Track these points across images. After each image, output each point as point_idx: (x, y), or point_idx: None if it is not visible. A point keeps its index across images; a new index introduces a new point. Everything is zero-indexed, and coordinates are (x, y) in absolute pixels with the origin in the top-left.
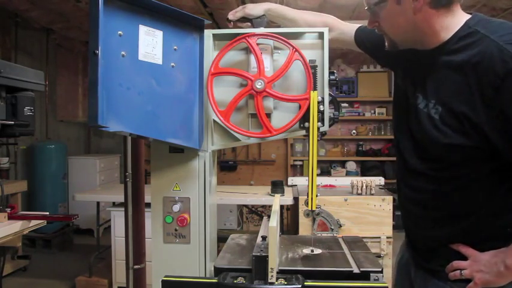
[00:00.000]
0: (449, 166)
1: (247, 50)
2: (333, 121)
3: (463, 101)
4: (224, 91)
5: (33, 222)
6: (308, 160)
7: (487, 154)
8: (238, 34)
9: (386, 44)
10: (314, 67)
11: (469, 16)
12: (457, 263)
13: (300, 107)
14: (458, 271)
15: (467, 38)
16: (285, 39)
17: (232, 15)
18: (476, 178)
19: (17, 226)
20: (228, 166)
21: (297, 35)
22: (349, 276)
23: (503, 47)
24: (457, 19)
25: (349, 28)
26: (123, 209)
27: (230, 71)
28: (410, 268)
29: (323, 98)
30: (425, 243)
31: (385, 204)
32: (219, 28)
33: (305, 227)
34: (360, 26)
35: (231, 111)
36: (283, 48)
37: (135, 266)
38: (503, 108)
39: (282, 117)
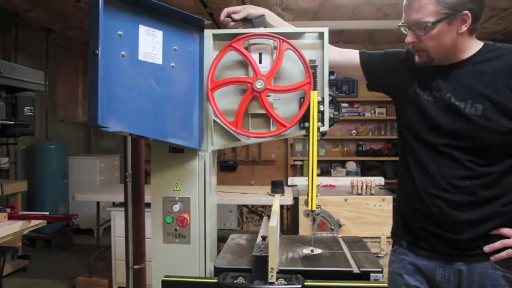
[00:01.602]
0: (493, 152)
1: (246, 49)
2: (333, 121)
3: (507, 97)
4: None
5: (33, 222)
6: (308, 160)
7: None
8: (238, 34)
9: (417, 59)
10: (314, 67)
11: (482, 42)
12: (504, 242)
13: (299, 95)
14: (508, 250)
15: (494, 52)
16: (271, 34)
17: (236, 15)
18: None
19: (17, 226)
20: (228, 166)
21: (297, 35)
22: (349, 276)
23: None
24: (477, 43)
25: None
26: (123, 209)
27: (227, 81)
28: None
29: (323, 98)
30: (467, 231)
31: (385, 204)
32: (219, 28)
33: (305, 227)
34: (360, 51)
35: (241, 119)
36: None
37: (135, 266)
38: None
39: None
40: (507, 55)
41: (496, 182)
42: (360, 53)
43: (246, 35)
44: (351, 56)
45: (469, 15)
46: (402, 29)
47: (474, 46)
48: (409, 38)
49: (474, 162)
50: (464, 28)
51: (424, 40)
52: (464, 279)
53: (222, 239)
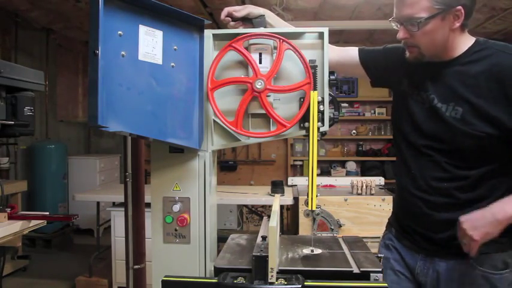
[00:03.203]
0: (471, 156)
1: (247, 49)
2: (333, 121)
3: (488, 101)
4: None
5: (33, 222)
6: (308, 160)
7: (503, 140)
8: (238, 34)
9: (408, 55)
10: (314, 67)
11: (473, 37)
12: (459, 237)
13: (299, 95)
14: (463, 243)
15: (481, 51)
16: (271, 34)
17: (237, 13)
18: (493, 163)
19: (17, 226)
20: (228, 166)
21: (297, 35)
22: (349, 276)
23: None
24: (469, 39)
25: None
26: (123, 209)
27: (227, 81)
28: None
29: (323, 98)
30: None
31: (385, 204)
32: (219, 28)
33: (305, 227)
34: (359, 48)
35: (241, 119)
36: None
37: (135, 266)
38: None
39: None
40: (493, 56)
41: (474, 185)
42: (360, 50)
43: (246, 35)
44: (351, 54)
45: (462, 10)
46: (393, 24)
47: (466, 43)
48: (400, 34)
49: (452, 164)
50: (457, 24)
51: (416, 36)
52: (443, 275)
53: (222, 239)
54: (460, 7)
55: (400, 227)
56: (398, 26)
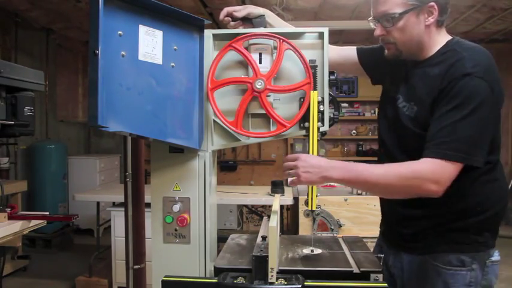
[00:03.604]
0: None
1: (247, 49)
2: (333, 121)
3: (433, 102)
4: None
5: (33, 222)
6: None
7: None
8: (238, 34)
9: (387, 52)
10: (314, 67)
11: (449, 37)
12: (287, 164)
13: (299, 95)
14: (289, 171)
15: (446, 53)
16: (271, 34)
17: (237, 13)
18: None
19: (17, 226)
20: (228, 166)
21: (297, 35)
22: (349, 276)
23: (467, 58)
24: (444, 38)
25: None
26: (123, 209)
27: (227, 81)
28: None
29: (323, 98)
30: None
31: None
32: (219, 28)
33: (305, 227)
34: (357, 47)
35: (241, 119)
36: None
37: (135, 266)
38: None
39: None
40: (454, 57)
41: None
42: (357, 49)
43: (246, 35)
44: (349, 53)
45: (435, 6)
46: (371, 24)
47: (440, 42)
48: (377, 31)
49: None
50: (431, 20)
51: (392, 32)
52: (406, 267)
53: (222, 239)
54: (433, 3)
55: (382, 223)
56: (376, 24)
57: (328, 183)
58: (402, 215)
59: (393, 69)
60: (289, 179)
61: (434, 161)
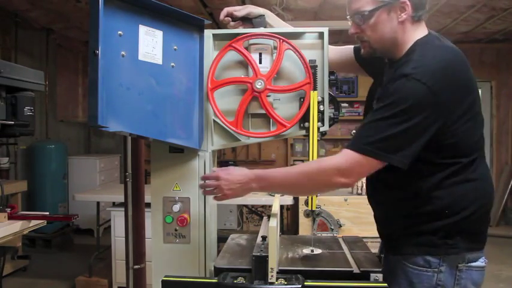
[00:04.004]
0: None
1: (247, 49)
2: (333, 121)
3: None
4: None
5: (33, 222)
6: (308, 160)
7: None
8: (238, 34)
9: (362, 51)
10: (314, 67)
11: (424, 32)
12: (210, 183)
13: (299, 95)
14: (211, 189)
15: (410, 54)
16: (271, 34)
17: (237, 13)
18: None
19: (17, 226)
20: (228, 166)
21: (297, 35)
22: (349, 276)
23: (415, 59)
24: (421, 34)
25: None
26: (123, 209)
27: (227, 81)
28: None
29: (323, 98)
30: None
31: None
32: (219, 28)
33: (305, 227)
34: (354, 46)
35: (241, 119)
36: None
37: (135, 266)
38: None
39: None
40: (414, 56)
41: (391, 185)
42: (354, 47)
43: (246, 35)
44: (347, 52)
45: (408, 2)
46: (349, 22)
47: (415, 39)
48: (351, 29)
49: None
50: (404, 16)
51: (364, 30)
52: (386, 264)
53: (222, 239)
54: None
55: None
56: (351, 22)
57: None
58: (379, 215)
59: (384, 67)
60: (213, 196)
61: (346, 153)
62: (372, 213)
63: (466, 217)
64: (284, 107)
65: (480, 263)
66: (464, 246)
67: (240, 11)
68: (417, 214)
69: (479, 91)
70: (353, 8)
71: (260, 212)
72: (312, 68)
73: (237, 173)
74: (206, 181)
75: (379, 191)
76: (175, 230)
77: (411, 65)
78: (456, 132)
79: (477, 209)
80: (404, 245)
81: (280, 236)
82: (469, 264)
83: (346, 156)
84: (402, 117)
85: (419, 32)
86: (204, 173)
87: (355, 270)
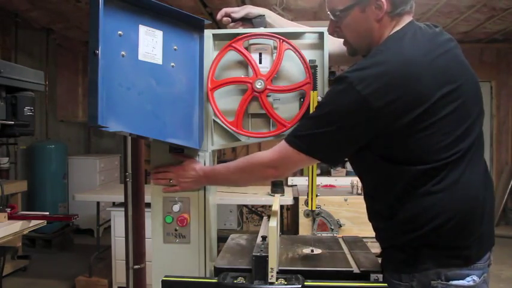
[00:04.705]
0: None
1: (247, 49)
2: None
3: None
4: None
5: (33, 222)
6: None
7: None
8: (238, 34)
9: (346, 49)
10: (314, 67)
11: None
12: (165, 175)
13: (299, 95)
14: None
15: (376, 53)
16: (271, 34)
17: (235, 14)
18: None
19: (17, 226)
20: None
21: (297, 35)
22: (349, 276)
23: (361, 61)
24: (399, 27)
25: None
26: (123, 209)
27: (227, 81)
28: None
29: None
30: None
31: None
32: (219, 28)
33: (305, 227)
34: None
35: (241, 119)
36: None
37: (135, 266)
38: None
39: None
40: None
41: (373, 196)
42: None
43: (246, 35)
44: None
45: (383, 0)
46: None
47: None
48: (329, 29)
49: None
50: (380, 14)
51: (341, 29)
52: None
53: (222, 239)
54: None
55: None
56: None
57: (329, 183)
58: (373, 225)
59: None
60: (164, 188)
61: (280, 144)
62: None
63: (432, 230)
64: (284, 107)
65: (465, 282)
66: (436, 262)
67: (238, 12)
68: (388, 227)
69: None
70: (329, 7)
71: (260, 212)
72: (312, 68)
73: (190, 168)
74: (160, 172)
75: (367, 202)
76: (175, 230)
77: (352, 67)
78: (407, 142)
79: (446, 222)
80: (383, 257)
81: (280, 236)
82: (449, 282)
83: (279, 148)
84: (326, 119)
85: (399, 26)
86: None
87: (355, 270)
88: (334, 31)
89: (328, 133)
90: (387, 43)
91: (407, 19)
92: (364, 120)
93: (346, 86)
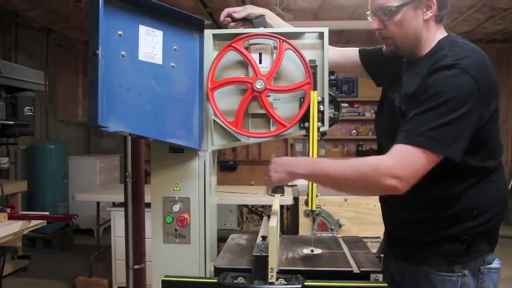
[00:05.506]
0: None
1: (247, 49)
2: (333, 121)
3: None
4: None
5: (33, 222)
6: None
7: None
8: (238, 34)
9: (384, 48)
10: (314, 67)
11: (444, 34)
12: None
13: (299, 95)
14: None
15: (436, 53)
16: (271, 34)
17: (237, 14)
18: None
19: (17, 226)
20: (228, 166)
21: (297, 35)
22: (349, 276)
23: (450, 55)
24: (441, 35)
25: (345, 51)
26: (123, 209)
27: (227, 81)
28: (389, 261)
29: (323, 98)
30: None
31: None
32: (219, 28)
33: (305, 227)
34: (359, 48)
35: (241, 119)
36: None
37: (135, 266)
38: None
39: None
40: (438, 55)
41: (423, 188)
42: (360, 50)
43: (246, 35)
44: (351, 54)
45: (434, 0)
46: (369, 18)
47: (437, 39)
48: (374, 25)
49: None
50: (429, 14)
51: (389, 26)
52: (405, 273)
53: (222, 239)
54: None
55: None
56: (373, 18)
57: None
58: (396, 218)
59: (394, 69)
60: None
61: (396, 150)
62: (372, 213)
63: (490, 218)
64: (284, 107)
65: (496, 264)
66: (486, 248)
67: (240, 12)
68: (444, 216)
69: None
70: (377, 3)
71: (260, 212)
72: (312, 68)
73: (285, 157)
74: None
75: (413, 194)
76: (175, 230)
77: (450, 58)
78: (487, 133)
79: (499, 211)
80: (427, 254)
81: (280, 236)
82: (488, 266)
83: (397, 153)
84: (450, 107)
85: (440, 33)
86: (204, 173)
87: (355, 270)
88: (379, 29)
89: (454, 121)
90: (455, 41)
91: (443, 29)
92: (477, 105)
93: (461, 71)
